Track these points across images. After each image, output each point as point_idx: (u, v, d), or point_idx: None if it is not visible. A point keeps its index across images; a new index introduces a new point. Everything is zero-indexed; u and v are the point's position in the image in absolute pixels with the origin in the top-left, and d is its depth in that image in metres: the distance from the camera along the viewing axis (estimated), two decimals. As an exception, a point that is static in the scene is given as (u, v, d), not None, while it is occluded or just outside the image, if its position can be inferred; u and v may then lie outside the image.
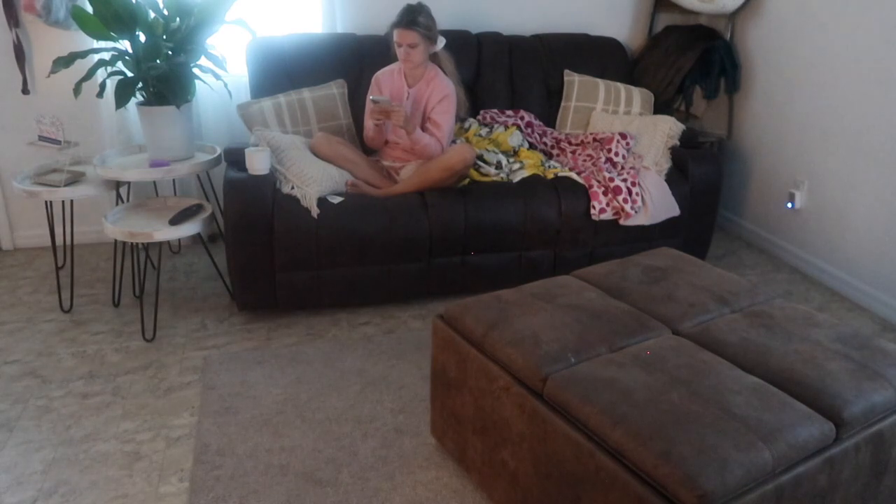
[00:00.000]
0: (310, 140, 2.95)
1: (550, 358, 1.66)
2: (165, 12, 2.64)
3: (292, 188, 2.69)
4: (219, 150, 2.89)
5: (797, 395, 1.56)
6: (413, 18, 2.78)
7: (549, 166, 3.09)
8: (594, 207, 2.88)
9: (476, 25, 3.50)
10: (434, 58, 2.96)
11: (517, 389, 1.67)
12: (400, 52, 2.84)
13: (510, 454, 1.72)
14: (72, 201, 2.99)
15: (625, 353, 1.70)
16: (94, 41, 2.68)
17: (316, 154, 2.86)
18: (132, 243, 3.09)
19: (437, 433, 2.05)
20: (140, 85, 2.64)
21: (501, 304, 1.89)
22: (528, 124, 3.36)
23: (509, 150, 3.17)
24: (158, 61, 2.60)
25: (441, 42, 2.92)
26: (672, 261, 2.20)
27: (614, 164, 3.09)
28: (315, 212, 2.64)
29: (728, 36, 3.68)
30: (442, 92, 2.89)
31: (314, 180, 2.70)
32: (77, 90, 2.53)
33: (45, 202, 2.88)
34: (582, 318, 1.82)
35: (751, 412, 1.47)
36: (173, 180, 3.19)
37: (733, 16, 3.64)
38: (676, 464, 1.33)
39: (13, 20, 3.05)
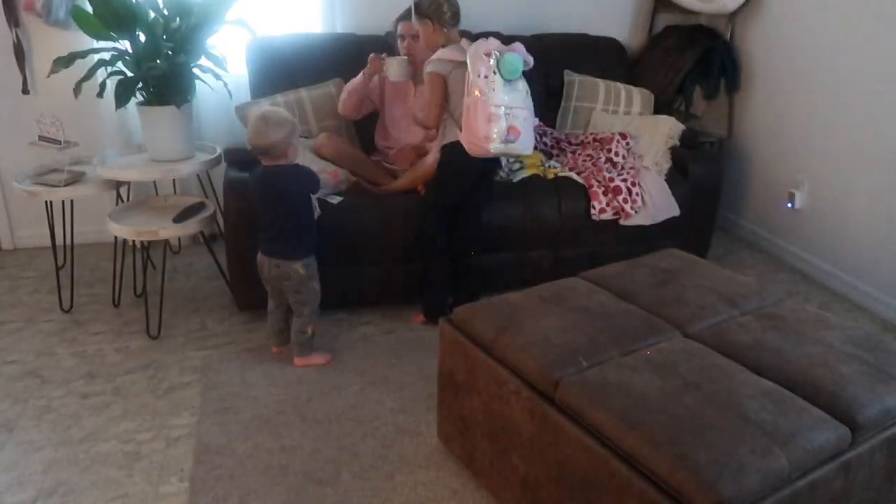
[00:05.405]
0: (312, 141, 2.95)
1: (561, 362, 1.65)
2: (165, 12, 2.64)
3: (292, 188, 2.69)
4: (219, 150, 2.88)
5: (811, 399, 1.54)
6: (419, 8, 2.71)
7: (549, 166, 3.09)
8: (594, 207, 2.88)
9: (476, 25, 3.49)
10: None
11: (527, 394, 1.66)
12: (402, 45, 2.89)
13: (520, 459, 1.71)
14: (72, 201, 2.98)
15: (636, 356, 1.69)
16: (94, 41, 2.67)
17: (319, 154, 2.86)
18: (133, 243, 3.10)
19: (444, 436, 2.05)
20: (140, 85, 2.64)
21: (510, 308, 1.88)
22: (528, 124, 3.36)
23: (509, 150, 3.16)
24: (158, 61, 2.59)
25: None
26: (679, 262, 2.20)
27: (614, 164, 3.08)
28: (316, 212, 2.63)
29: (728, 36, 3.67)
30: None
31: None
32: (77, 90, 2.53)
33: (45, 202, 2.88)
34: (592, 321, 1.82)
35: (766, 417, 1.45)
36: (173, 180, 3.19)
37: (733, 16, 3.64)
38: (693, 470, 1.32)
39: (13, 20, 3.05)
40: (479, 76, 2.39)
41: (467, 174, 2.63)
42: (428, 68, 2.56)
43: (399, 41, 2.89)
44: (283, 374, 2.45)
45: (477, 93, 2.38)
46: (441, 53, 2.54)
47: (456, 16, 2.58)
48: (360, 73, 2.92)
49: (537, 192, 2.88)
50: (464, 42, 2.59)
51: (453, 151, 2.55)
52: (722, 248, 3.63)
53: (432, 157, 2.81)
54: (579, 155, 3.21)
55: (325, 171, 2.61)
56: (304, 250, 2.38)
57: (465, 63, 2.45)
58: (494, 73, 2.40)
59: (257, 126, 2.26)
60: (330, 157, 2.86)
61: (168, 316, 2.81)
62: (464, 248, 2.74)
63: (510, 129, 2.42)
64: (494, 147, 2.41)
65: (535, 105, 3.00)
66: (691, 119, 3.71)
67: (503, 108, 2.40)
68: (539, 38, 3.54)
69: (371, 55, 2.88)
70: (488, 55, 2.40)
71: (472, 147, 2.46)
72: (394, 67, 2.80)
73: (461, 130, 2.50)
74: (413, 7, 2.65)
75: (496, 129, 2.39)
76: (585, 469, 1.51)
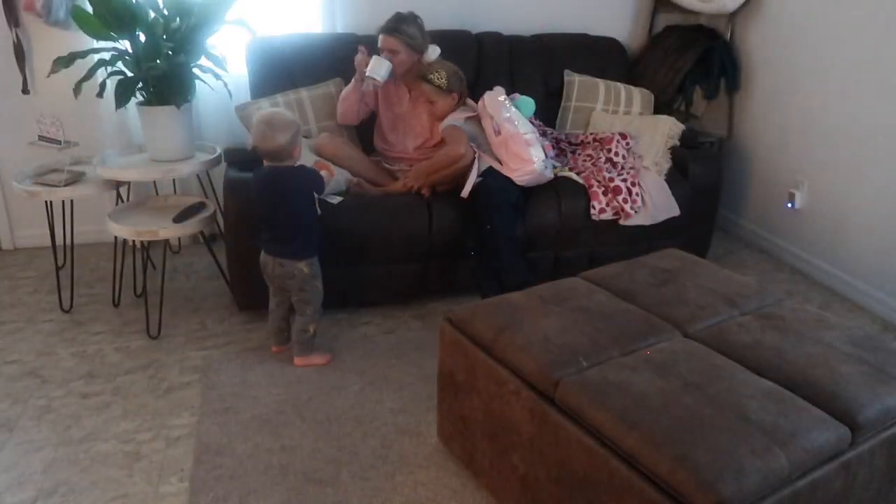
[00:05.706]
0: (312, 140, 2.95)
1: (561, 362, 1.65)
2: (165, 12, 2.64)
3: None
4: (219, 150, 2.89)
5: (811, 399, 1.54)
6: (396, 26, 2.85)
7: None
8: (594, 207, 2.87)
9: (476, 25, 3.50)
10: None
11: (527, 394, 1.66)
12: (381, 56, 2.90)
13: (520, 459, 1.71)
14: (72, 201, 2.98)
15: (636, 356, 1.69)
16: (94, 41, 2.67)
17: (320, 154, 2.86)
18: (133, 243, 3.10)
19: (444, 436, 2.04)
20: (140, 85, 2.64)
21: (510, 308, 1.88)
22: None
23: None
24: (158, 61, 2.60)
25: (434, 51, 2.94)
26: (679, 262, 2.20)
27: (614, 164, 3.08)
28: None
29: (728, 36, 3.67)
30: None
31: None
32: (77, 90, 2.53)
33: (45, 202, 2.88)
34: (592, 321, 1.81)
35: (766, 417, 1.45)
36: (173, 180, 3.20)
37: (733, 16, 3.64)
38: (693, 469, 1.32)
39: (13, 20, 3.05)
40: (504, 116, 2.78)
41: (504, 193, 2.76)
42: (447, 123, 2.82)
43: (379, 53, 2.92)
44: (283, 374, 2.45)
45: (509, 127, 2.77)
46: (455, 114, 2.86)
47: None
48: (353, 79, 2.96)
49: (537, 193, 2.88)
50: (469, 103, 2.95)
51: (489, 175, 2.77)
52: (722, 248, 3.63)
53: (432, 160, 2.81)
54: (579, 155, 3.21)
55: (324, 169, 2.62)
56: (309, 250, 2.38)
57: (475, 116, 2.87)
58: (515, 110, 2.84)
59: (262, 131, 2.24)
60: (330, 156, 2.86)
61: (168, 316, 2.82)
62: (467, 245, 2.75)
63: (545, 147, 2.89)
64: (539, 165, 2.78)
65: (534, 104, 3.09)
66: (691, 119, 3.71)
67: (532, 135, 2.81)
68: (539, 38, 3.54)
69: (358, 55, 2.91)
70: (503, 99, 2.83)
71: (519, 173, 2.77)
72: (375, 64, 2.83)
73: (501, 164, 2.80)
74: (392, 25, 2.86)
75: (535, 151, 2.79)
76: (585, 469, 1.51)
